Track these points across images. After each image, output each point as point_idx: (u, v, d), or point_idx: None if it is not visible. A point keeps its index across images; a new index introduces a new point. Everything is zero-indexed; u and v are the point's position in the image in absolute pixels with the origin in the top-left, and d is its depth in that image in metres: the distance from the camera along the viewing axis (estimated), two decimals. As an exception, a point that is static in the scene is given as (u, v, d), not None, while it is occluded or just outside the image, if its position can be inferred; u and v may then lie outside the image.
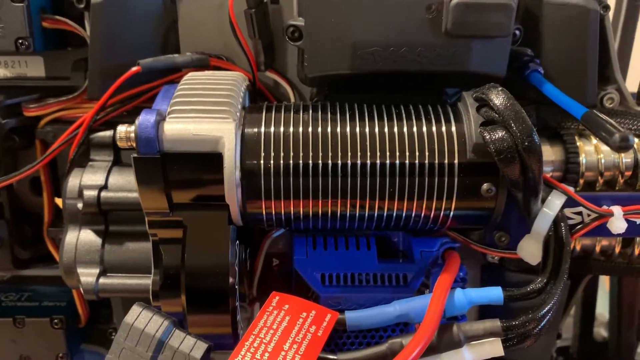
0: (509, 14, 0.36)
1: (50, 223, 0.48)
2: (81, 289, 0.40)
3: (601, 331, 0.68)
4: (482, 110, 0.36)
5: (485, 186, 0.36)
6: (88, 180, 0.42)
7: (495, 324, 0.36)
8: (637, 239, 0.44)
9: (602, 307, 0.68)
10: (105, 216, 0.41)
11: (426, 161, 0.36)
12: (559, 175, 0.43)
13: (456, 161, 0.36)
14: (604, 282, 0.69)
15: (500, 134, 0.34)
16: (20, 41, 0.42)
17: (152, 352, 0.33)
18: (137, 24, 0.42)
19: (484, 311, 0.47)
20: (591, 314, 0.66)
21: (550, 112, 0.44)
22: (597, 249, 0.45)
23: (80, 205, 0.41)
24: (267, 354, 0.32)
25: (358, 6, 0.36)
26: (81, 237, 0.41)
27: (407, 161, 0.36)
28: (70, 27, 0.44)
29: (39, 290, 0.51)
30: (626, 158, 0.42)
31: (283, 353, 0.33)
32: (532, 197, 0.37)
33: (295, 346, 0.33)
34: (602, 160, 0.42)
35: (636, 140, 0.43)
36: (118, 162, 0.44)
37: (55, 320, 0.48)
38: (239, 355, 0.32)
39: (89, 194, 0.40)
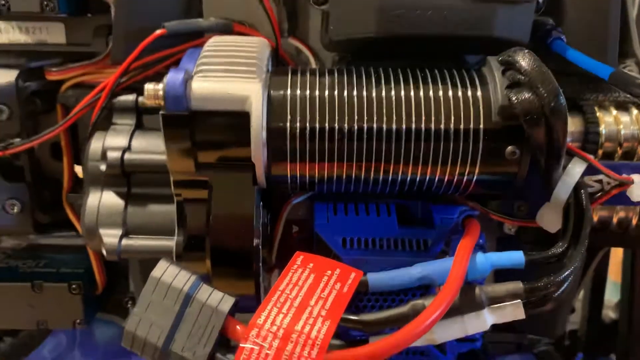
0: (535, -21, 0.36)
1: (69, 189, 0.48)
2: (103, 250, 0.40)
3: (609, 313, 0.69)
4: (508, 73, 0.36)
5: (509, 149, 0.36)
6: (111, 142, 0.42)
7: (517, 285, 0.36)
8: (655, 209, 0.45)
9: (609, 294, 0.69)
10: (128, 178, 0.41)
11: (452, 125, 0.36)
12: (578, 145, 0.43)
13: (482, 124, 0.36)
14: (611, 272, 0.69)
15: (526, 94, 0.34)
16: (45, 2, 0.42)
17: (179, 306, 0.33)
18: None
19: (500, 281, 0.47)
20: (600, 296, 0.67)
21: (569, 83, 0.44)
22: (614, 220, 0.45)
23: (103, 167, 0.41)
24: (293, 309, 0.33)
25: (386, -32, 0.37)
26: (104, 199, 0.41)
27: (432, 125, 0.36)
28: (94, -9, 0.44)
29: (56, 257, 0.52)
30: (646, 129, 0.43)
31: (309, 308, 0.33)
32: (555, 162, 0.37)
33: (320, 302, 0.33)
34: (622, 131, 0.43)
35: (656, 112, 0.44)
36: (141, 126, 0.44)
37: (74, 286, 0.48)
38: (266, 310, 0.33)
39: (113, 155, 0.40)
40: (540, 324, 0.51)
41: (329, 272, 0.35)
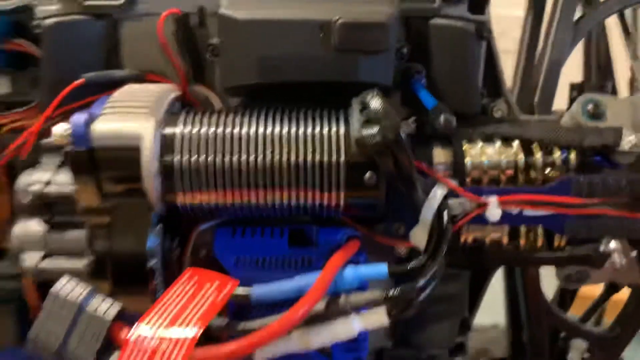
0: (386, 31, 0.43)
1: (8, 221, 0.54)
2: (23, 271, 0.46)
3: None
4: (364, 112, 0.42)
5: (368, 175, 0.42)
6: (37, 177, 0.48)
7: (377, 293, 0.41)
8: (522, 229, 0.50)
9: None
10: (50, 208, 0.47)
11: (319, 156, 0.42)
12: (449, 173, 0.49)
13: (343, 155, 0.42)
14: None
15: (373, 130, 0.40)
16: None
17: (72, 315, 0.38)
18: (83, 45, 0.49)
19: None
20: (518, 319, 0.70)
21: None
22: (487, 240, 0.51)
23: (27, 199, 0.47)
24: (171, 316, 0.38)
25: (261, 26, 0.44)
26: (27, 226, 0.47)
27: (303, 157, 0.42)
28: (28, 48, 0.51)
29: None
30: (507, 159, 0.49)
31: (184, 315, 0.38)
32: (409, 186, 0.43)
33: (195, 309, 0.38)
34: (485, 162, 0.49)
35: (516, 142, 0.50)
36: (66, 163, 0.50)
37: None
38: (147, 318, 0.38)
39: (35, 188, 0.47)
40: (435, 338, 0.55)
41: (209, 284, 0.41)
